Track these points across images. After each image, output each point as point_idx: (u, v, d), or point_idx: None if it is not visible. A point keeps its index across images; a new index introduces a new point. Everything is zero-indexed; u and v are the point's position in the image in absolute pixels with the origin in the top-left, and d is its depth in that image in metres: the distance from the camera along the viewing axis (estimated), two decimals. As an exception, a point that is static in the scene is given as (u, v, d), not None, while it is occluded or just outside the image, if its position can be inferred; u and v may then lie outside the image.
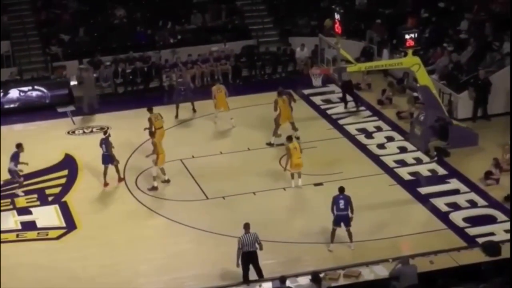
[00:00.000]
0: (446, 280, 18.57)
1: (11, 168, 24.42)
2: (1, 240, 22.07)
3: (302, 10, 36.89)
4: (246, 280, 19.44)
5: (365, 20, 35.39)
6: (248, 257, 19.47)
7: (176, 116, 29.75)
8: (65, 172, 26.02)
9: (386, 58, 32.19)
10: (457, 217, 22.65)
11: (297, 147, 24.28)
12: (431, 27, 33.36)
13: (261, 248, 19.54)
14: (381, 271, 19.07)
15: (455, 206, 23.29)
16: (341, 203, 20.83)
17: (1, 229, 22.66)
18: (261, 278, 19.41)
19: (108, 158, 24.98)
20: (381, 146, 27.24)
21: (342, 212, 20.78)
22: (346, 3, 35.79)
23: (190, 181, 25.16)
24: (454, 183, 24.62)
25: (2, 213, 23.52)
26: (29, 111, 30.71)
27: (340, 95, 31.08)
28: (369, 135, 28.11)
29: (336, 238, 21.15)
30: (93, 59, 33.69)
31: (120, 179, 25.26)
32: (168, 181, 24.99)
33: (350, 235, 21.08)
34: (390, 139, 27.73)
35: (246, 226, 19.54)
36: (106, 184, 25.05)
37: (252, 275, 19.59)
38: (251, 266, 19.59)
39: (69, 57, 34.04)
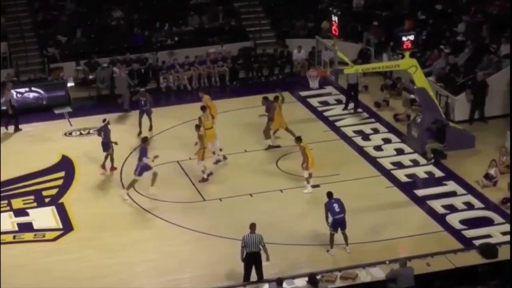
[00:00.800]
0: (442, 282, 18.61)
1: (143, 163, 24.04)
2: (-1, 241, 22.11)
3: (299, 12, 36.91)
4: (246, 281, 19.38)
5: (362, 22, 35.39)
6: (251, 258, 19.41)
7: (139, 133, 28.13)
8: (62, 173, 25.97)
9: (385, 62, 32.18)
10: (454, 219, 22.64)
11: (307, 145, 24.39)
12: (428, 29, 33.39)
13: (265, 252, 19.43)
14: (378, 273, 19.06)
15: (452, 208, 23.28)
16: (336, 206, 20.85)
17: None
18: (260, 280, 19.36)
19: (106, 145, 25.18)
20: (378, 148, 27.24)
21: (339, 215, 20.77)
22: (343, 5, 35.82)
23: (187, 182, 25.15)
24: (451, 185, 24.61)
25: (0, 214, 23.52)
26: (26, 113, 30.61)
27: (338, 97, 31.09)
28: (366, 137, 28.10)
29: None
30: (90, 60, 33.70)
31: (113, 168, 25.45)
32: (210, 174, 25.12)
33: (346, 238, 21.06)
34: (387, 141, 27.73)
35: (252, 226, 19.49)
36: (113, 168, 25.52)
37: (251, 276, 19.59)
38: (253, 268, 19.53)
39: (66, 59, 34.04)
